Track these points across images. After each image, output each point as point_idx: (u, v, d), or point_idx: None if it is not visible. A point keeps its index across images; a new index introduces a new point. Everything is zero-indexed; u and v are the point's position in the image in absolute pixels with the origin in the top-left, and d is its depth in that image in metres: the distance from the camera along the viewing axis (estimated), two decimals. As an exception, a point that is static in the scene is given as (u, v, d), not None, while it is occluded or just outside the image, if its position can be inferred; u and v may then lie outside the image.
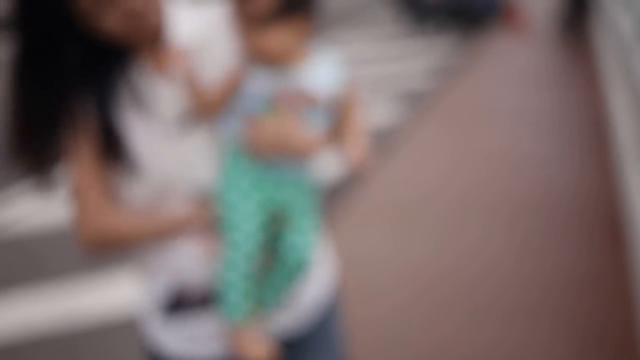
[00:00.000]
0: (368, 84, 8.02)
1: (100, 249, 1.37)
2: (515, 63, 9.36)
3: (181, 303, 1.41)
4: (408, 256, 3.75)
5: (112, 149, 1.31)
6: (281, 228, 1.34)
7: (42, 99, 1.26)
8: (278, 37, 1.21)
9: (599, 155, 5.24)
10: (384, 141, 5.84)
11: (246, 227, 1.29)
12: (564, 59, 9.70)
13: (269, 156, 1.29)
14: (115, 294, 3.49)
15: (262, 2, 1.18)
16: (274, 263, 1.36)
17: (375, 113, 6.78)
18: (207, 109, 1.29)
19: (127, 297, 3.42)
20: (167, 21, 1.33)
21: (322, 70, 1.29)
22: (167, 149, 1.32)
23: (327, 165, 1.51)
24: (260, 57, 1.24)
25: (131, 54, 1.33)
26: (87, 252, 1.37)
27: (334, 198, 4.59)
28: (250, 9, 1.19)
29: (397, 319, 3.13)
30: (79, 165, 1.33)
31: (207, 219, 1.34)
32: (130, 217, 1.36)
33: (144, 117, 1.33)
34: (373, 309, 3.22)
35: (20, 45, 1.23)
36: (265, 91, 1.26)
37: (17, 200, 4.95)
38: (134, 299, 3.29)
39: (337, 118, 1.37)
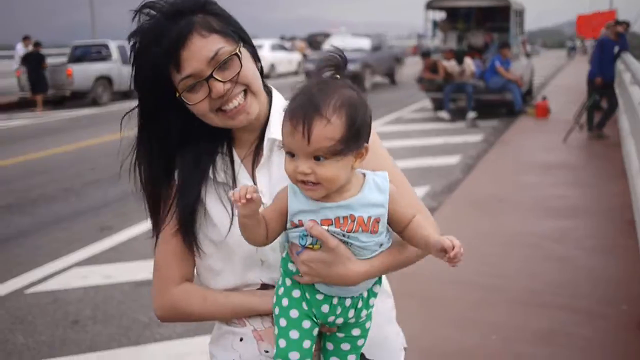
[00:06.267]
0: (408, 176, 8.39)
1: (169, 319, 1.56)
2: (540, 153, 9.80)
3: None
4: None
5: (191, 222, 1.46)
6: (332, 339, 1.43)
7: (149, 156, 1.48)
8: (330, 169, 1.26)
9: (624, 248, 5.52)
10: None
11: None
12: (588, 151, 10.08)
13: (316, 282, 1.36)
14: None
15: (323, 144, 1.25)
16: None
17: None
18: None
19: None
20: (263, 116, 1.48)
21: (370, 195, 1.33)
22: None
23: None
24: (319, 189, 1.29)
25: (226, 138, 1.50)
26: (160, 320, 1.58)
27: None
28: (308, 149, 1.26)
29: None
30: (162, 239, 1.50)
31: (267, 310, 1.44)
32: (198, 297, 1.50)
33: (226, 202, 1.45)
34: None
35: (139, 109, 1.47)
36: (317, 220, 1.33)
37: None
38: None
39: (408, 231, 1.38)
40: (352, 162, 1.30)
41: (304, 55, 29.60)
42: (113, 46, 19.34)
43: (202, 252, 1.49)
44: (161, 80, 1.38)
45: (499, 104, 14.52)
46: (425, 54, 15.43)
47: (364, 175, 1.36)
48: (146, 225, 1.59)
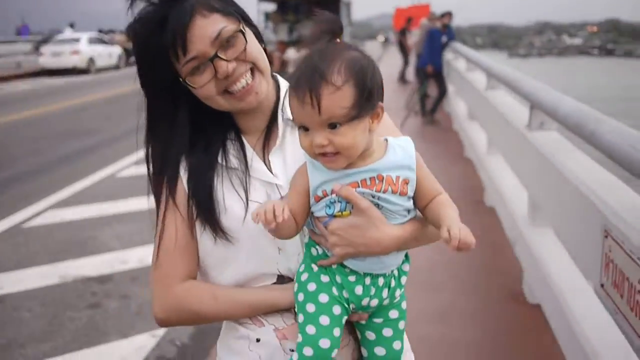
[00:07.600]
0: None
1: (172, 322, 1.40)
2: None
3: None
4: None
5: (210, 207, 1.33)
6: (372, 328, 1.33)
7: (157, 144, 1.38)
8: (347, 136, 1.17)
9: (487, 226, 5.78)
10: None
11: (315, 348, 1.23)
12: (425, 136, 10.57)
13: (348, 257, 1.24)
14: None
15: (335, 112, 1.16)
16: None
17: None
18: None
19: None
20: (271, 99, 1.40)
21: (396, 157, 1.25)
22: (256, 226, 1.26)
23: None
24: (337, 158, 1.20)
25: (233, 127, 1.40)
26: (160, 324, 1.40)
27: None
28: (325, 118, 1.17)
29: None
30: (162, 234, 1.36)
31: (289, 305, 1.31)
32: (207, 294, 1.36)
33: (239, 189, 1.35)
34: None
35: (147, 102, 1.38)
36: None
37: None
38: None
39: (430, 206, 1.29)
40: (369, 124, 1.22)
41: (125, 49, 28.26)
42: None
43: (231, 237, 1.34)
44: (166, 68, 1.31)
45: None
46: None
47: (386, 140, 1.29)
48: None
